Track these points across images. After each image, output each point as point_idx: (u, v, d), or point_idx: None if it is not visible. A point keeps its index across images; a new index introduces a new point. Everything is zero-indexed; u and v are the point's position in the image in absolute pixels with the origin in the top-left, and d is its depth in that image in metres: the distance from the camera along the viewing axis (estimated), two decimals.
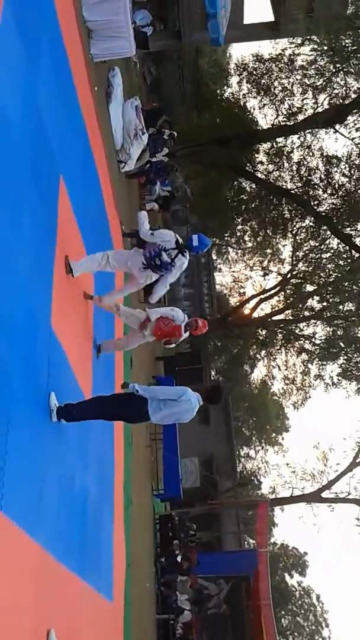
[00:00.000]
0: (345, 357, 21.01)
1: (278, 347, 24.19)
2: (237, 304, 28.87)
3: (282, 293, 23.95)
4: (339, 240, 20.14)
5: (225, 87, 25.54)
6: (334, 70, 17.33)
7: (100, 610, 6.64)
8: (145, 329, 7.01)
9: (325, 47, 16.55)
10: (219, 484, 26.57)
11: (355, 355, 20.68)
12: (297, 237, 21.98)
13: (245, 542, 28.47)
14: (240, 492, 28.11)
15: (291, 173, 20.71)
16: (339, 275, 19.93)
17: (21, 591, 3.74)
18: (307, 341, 22.84)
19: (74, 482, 5.67)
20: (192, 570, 16.88)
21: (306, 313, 22.51)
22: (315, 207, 20.04)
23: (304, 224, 21.62)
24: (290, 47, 18.18)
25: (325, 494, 23.81)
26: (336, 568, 60.71)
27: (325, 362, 22.22)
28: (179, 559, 16.14)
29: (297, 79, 18.77)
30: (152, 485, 16.30)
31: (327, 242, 21.16)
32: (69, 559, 5.10)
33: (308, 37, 17.07)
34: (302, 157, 20.44)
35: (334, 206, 19.89)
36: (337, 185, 19.65)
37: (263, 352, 25.21)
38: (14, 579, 3.59)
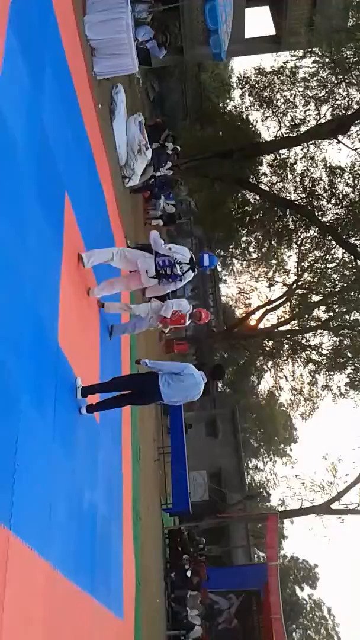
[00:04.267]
0: (353, 367, 20.93)
1: (285, 358, 24.13)
2: (243, 315, 28.84)
3: (288, 304, 23.91)
4: (344, 250, 20.13)
5: (228, 101, 25.74)
6: (336, 81, 17.42)
7: (111, 627, 6.59)
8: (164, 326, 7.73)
9: (327, 59, 16.64)
10: (228, 497, 26.39)
11: None
12: (302, 248, 21.99)
13: (255, 556, 28.23)
14: (249, 504, 27.89)
15: (295, 184, 20.75)
16: (345, 285, 19.90)
17: (31, 610, 3.72)
18: (313, 351, 22.77)
19: (83, 499, 5.65)
20: (202, 585, 16.73)
21: (312, 323, 22.46)
22: (320, 218, 20.05)
23: (308, 235, 21.64)
24: (292, 60, 18.33)
25: (335, 506, 23.58)
26: (347, 580, 60.04)
27: (332, 373, 22.13)
28: (188, 574, 16.01)
29: (299, 91, 18.87)
30: (161, 499, 16.21)
31: (332, 252, 21.15)
32: (79, 576, 5.07)
33: (309, 50, 17.20)
34: (305, 168, 20.50)
35: (338, 216, 19.89)
36: (341, 196, 19.66)
37: (270, 363, 25.15)
38: (24, 598, 3.58)
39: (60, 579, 4.47)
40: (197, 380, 5.83)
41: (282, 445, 34.27)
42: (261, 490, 33.56)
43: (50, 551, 4.18)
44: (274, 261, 23.85)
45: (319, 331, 22.33)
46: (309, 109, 18.89)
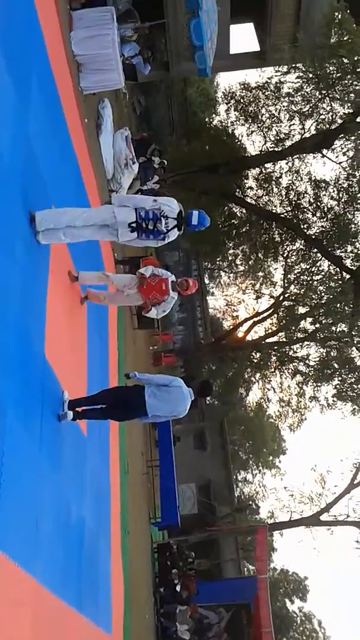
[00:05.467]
0: (340, 379, 20.99)
1: (272, 370, 24.15)
2: (231, 327, 28.91)
3: (275, 315, 24.02)
4: (329, 262, 20.31)
5: (214, 115, 25.99)
6: (319, 96, 17.64)
7: None
8: (141, 284, 6.67)
9: (311, 75, 16.87)
10: (217, 510, 26.29)
11: (349, 376, 20.67)
12: (288, 260, 22.14)
13: (245, 569, 28.07)
14: (239, 517, 27.78)
15: (280, 197, 20.94)
16: (331, 296, 20.03)
17: (18, 627, 3.69)
18: (301, 363, 22.83)
19: (70, 513, 5.62)
20: (191, 599, 16.59)
21: (299, 335, 22.54)
22: (305, 230, 20.22)
23: (294, 247, 21.79)
24: (276, 75, 18.50)
25: (324, 517, 23.56)
26: (337, 592, 59.78)
27: (319, 384, 22.19)
28: (178, 588, 15.88)
29: (283, 106, 19.06)
30: (149, 513, 16.11)
31: (318, 264, 21.33)
32: (66, 592, 5.03)
33: (293, 66, 17.42)
34: (290, 181, 20.71)
35: (323, 229, 20.09)
36: (325, 209, 19.87)
37: (258, 375, 25.16)
38: (10, 615, 3.54)
39: (47, 595, 4.44)
40: (185, 395, 5.64)
41: (270, 457, 34.22)
42: (250, 502, 33.45)
43: (36, 567, 4.15)
44: (260, 273, 23.98)
45: (306, 343, 22.42)
46: (293, 124, 19.11)
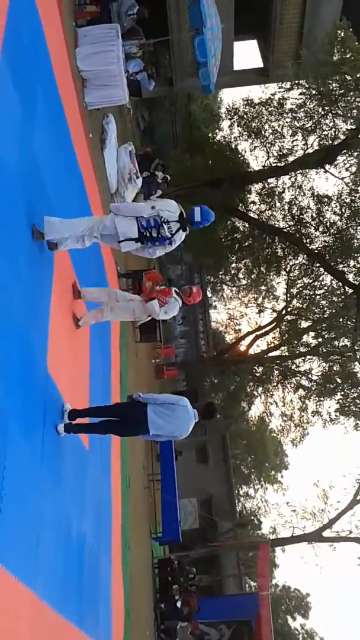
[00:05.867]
0: (342, 393, 20.91)
1: (275, 384, 24.10)
2: (233, 340, 28.90)
3: (278, 329, 24.01)
4: (332, 277, 20.34)
5: (217, 131, 26.14)
6: (322, 112, 17.77)
7: None
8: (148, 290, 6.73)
9: (314, 91, 17.01)
10: (219, 525, 26.11)
11: (352, 391, 20.60)
12: (291, 274, 22.17)
13: (247, 585, 27.81)
14: (240, 532, 27.57)
15: (283, 212, 21.01)
16: (333, 311, 20.03)
17: None
18: (303, 377, 22.79)
19: (71, 527, 5.59)
20: (192, 615, 16.42)
21: (302, 349, 22.52)
22: (308, 245, 20.28)
23: (297, 261, 21.83)
24: (279, 92, 18.66)
25: (326, 533, 23.38)
26: (340, 609, 59.14)
27: (322, 398, 22.12)
28: (179, 604, 15.73)
29: (286, 122, 19.20)
30: (150, 528, 16.00)
31: (321, 278, 21.35)
32: (65, 607, 4.99)
33: (296, 82, 17.58)
34: (293, 196, 20.80)
35: (326, 244, 20.12)
36: (328, 224, 19.92)
37: (260, 389, 25.10)
38: (8, 630, 3.52)
39: (47, 610, 4.41)
40: (189, 416, 5.53)
41: (273, 472, 34.05)
42: (252, 517, 33.23)
43: (36, 582, 4.12)
44: (263, 287, 24.02)
45: (308, 357, 22.38)
46: (296, 139, 19.22)
